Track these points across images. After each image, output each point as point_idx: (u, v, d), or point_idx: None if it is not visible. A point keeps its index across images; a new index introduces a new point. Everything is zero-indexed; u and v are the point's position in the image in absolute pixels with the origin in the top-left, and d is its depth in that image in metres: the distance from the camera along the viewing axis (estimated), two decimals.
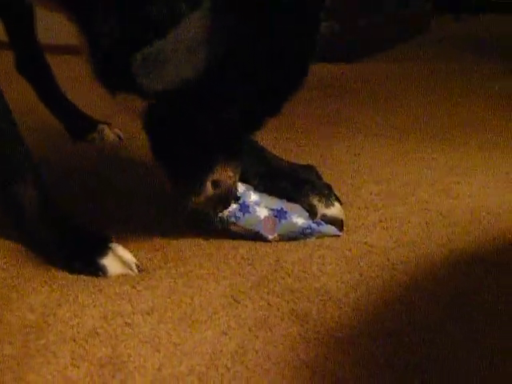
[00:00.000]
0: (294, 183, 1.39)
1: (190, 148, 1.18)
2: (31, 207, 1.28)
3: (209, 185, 1.21)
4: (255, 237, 1.33)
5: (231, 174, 1.22)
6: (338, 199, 1.41)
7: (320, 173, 1.46)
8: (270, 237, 1.33)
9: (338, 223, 1.38)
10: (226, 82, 1.07)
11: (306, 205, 1.36)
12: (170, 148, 1.20)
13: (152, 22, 1.04)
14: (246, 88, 1.09)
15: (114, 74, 1.12)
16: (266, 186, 1.38)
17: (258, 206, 1.33)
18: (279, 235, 1.33)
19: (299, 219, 1.34)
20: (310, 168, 1.46)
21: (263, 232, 1.32)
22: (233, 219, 1.31)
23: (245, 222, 1.32)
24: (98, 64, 1.13)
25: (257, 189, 1.37)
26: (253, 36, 1.05)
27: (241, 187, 1.34)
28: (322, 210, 1.37)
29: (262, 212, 1.33)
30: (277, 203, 1.35)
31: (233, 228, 1.32)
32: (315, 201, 1.37)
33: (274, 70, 1.10)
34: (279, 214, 1.33)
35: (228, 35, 1.02)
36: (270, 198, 1.36)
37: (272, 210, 1.33)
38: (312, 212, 1.36)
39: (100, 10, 1.09)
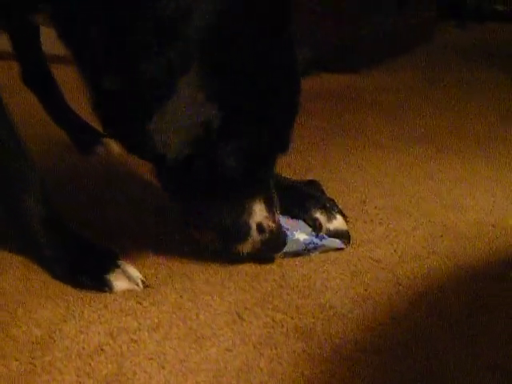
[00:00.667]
0: (296, 199, 1.40)
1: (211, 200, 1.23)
2: (36, 222, 1.28)
3: (254, 229, 1.24)
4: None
5: (271, 215, 1.24)
6: (341, 212, 1.41)
7: (323, 187, 1.46)
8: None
9: (343, 236, 1.38)
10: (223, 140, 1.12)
11: (309, 219, 1.36)
12: (197, 204, 1.24)
13: (147, 80, 1.06)
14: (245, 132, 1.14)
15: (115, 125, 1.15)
16: None
17: None
18: (283, 253, 1.32)
19: (301, 235, 1.33)
20: (312, 183, 1.47)
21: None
22: None
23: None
24: (97, 110, 1.15)
25: None
26: (243, 94, 1.10)
27: None
28: (325, 224, 1.37)
29: None
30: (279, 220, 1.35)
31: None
32: (318, 214, 1.37)
33: (267, 104, 1.15)
34: None
35: (218, 99, 1.07)
36: None
37: None
38: (315, 226, 1.36)
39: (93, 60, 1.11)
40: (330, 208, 1.40)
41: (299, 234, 1.34)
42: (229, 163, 1.14)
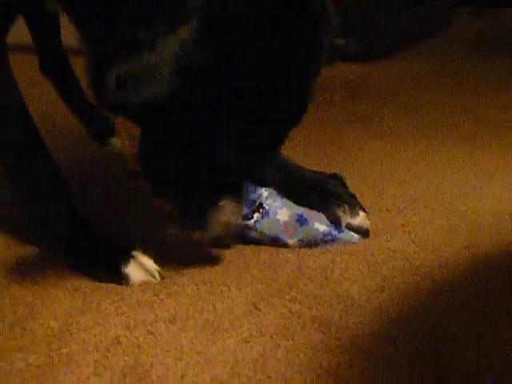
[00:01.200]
0: (319, 195, 1.40)
1: (189, 187, 1.17)
2: (53, 213, 1.28)
3: (216, 225, 1.19)
4: (275, 241, 1.33)
5: (235, 209, 1.18)
6: (362, 208, 1.41)
7: (345, 181, 1.46)
8: (290, 241, 1.32)
9: (362, 232, 1.38)
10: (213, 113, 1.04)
11: (331, 216, 1.36)
12: (172, 188, 1.19)
13: (129, 41, 1.01)
14: (240, 123, 1.06)
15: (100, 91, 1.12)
16: (291, 197, 1.38)
17: (280, 209, 1.33)
18: (299, 240, 1.32)
19: (321, 226, 1.33)
20: (335, 177, 1.46)
21: (283, 236, 1.32)
22: (252, 222, 1.31)
23: (263, 225, 1.32)
24: (89, 78, 1.13)
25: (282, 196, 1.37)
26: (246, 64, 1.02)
27: (264, 192, 1.35)
28: (346, 220, 1.37)
29: (283, 216, 1.33)
30: (298, 208, 1.35)
31: (252, 234, 1.32)
32: (340, 212, 1.37)
33: (268, 104, 1.06)
34: (300, 219, 1.33)
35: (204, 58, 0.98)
36: (294, 204, 1.36)
37: (293, 214, 1.33)
38: (337, 223, 1.36)
39: (93, 25, 1.08)
40: (353, 204, 1.40)
41: (318, 224, 1.34)
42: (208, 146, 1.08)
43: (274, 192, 1.36)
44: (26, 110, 1.29)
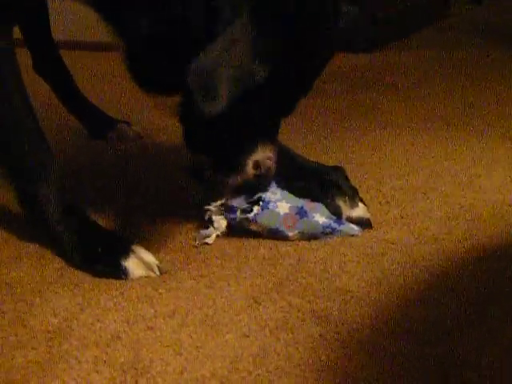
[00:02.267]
0: (320, 185, 1.40)
1: (229, 133, 1.24)
2: (52, 209, 1.28)
3: (250, 165, 1.27)
4: (275, 234, 1.33)
5: (270, 154, 1.27)
6: (362, 200, 1.41)
7: (347, 173, 1.46)
8: (290, 234, 1.32)
9: (365, 223, 1.38)
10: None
11: (332, 207, 1.36)
12: (210, 134, 1.24)
13: (190, 27, 1.08)
14: (280, 80, 1.14)
15: (151, 76, 1.17)
16: (292, 186, 1.38)
17: (280, 202, 1.33)
18: (299, 233, 1.32)
19: (320, 218, 1.33)
20: (337, 169, 1.46)
21: (283, 228, 1.32)
22: (251, 215, 1.31)
23: (263, 218, 1.32)
24: (134, 65, 1.15)
25: (282, 188, 1.37)
26: (288, 40, 1.11)
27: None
28: (346, 211, 1.37)
29: (283, 208, 1.32)
30: (298, 201, 1.35)
31: (252, 227, 1.32)
32: (340, 203, 1.38)
33: (303, 61, 1.18)
34: (300, 212, 1.33)
35: (271, 45, 1.07)
36: (294, 196, 1.36)
37: (293, 207, 1.33)
38: (337, 214, 1.37)
39: (137, 13, 1.10)
40: (353, 196, 1.40)
41: (318, 216, 1.34)
42: (260, 107, 1.18)
43: (274, 185, 1.35)
44: (32, 109, 1.30)
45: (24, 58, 1.92)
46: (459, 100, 2.36)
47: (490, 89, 2.51)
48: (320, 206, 1.36)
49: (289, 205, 1.33)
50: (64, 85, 1.93)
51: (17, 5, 1.30)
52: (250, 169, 1.27)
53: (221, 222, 1.32)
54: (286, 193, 1.35)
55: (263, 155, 1.27)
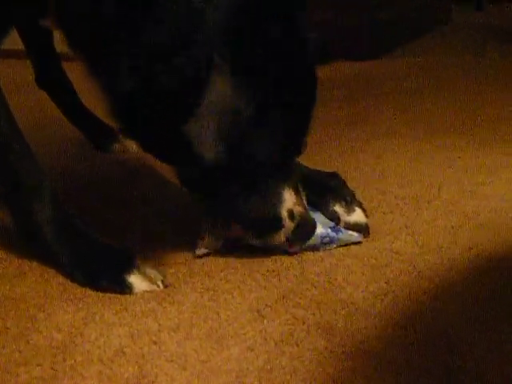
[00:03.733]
0: (316, 191, 1.39)
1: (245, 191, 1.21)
2: (49, 229, 1.28)
3: (286, 217, 1.24)
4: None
5: (299, 200, 1.25)
6: (360, 205, 1.40)
7: (344, 179, 1.45)
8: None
9: (362, 229, 1.37)
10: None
11: (328, 212, 1.36)
12: (225, 200, 1.23)
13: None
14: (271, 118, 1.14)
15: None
16: None
17: None
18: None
19: (318, 228, 1.32)
20: (334, 175, 1.45)
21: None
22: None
23: None
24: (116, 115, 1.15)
25: None
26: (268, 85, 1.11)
27: None
28: (343, 216, 1.37)
29: None
30: None
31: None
32: (337, 207, 1.37)
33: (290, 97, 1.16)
34: None
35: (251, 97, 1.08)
36: None
37: None
38: (334, 219, 1.36)
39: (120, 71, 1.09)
40: (350, 201, 1.39)
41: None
42: (262, 151, 1.15)
43: None
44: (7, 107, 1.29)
45: (25, 71, 1.93)
46: (462, 107, 2.35)
47: (493, 95, 2.50)
48: (317, 215, 1.35)
49: None
50: (67, 97, 1.93)
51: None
52: (287, 222, 1.24)
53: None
54: None
55: (292, 201, 1.24)
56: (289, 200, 1.24)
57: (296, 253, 1.32)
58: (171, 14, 1.03)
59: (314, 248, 1.32)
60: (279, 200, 1.23)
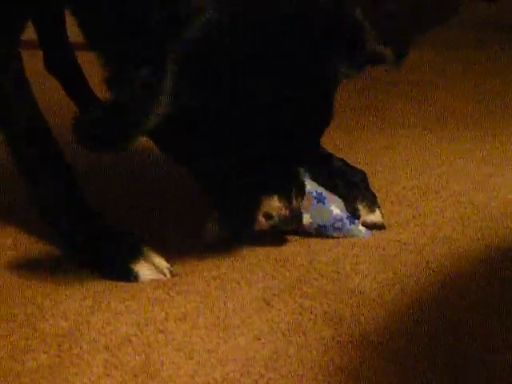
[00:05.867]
0: (345, 183, 1.40)
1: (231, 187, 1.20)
2: (62, 210, 1.28)
3: (261, 218, 1.22)
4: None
5: (279, 204, 1.21)
6: (379, 206, 1.41)
7: (368, 179, 1.46)
8: (303, 215, 1.29)
9: (379, 228, 1.38)
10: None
11: (351, 208, 1.36)
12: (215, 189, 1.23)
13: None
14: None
15: None
16: (318, 180, 1.38)
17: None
18: (311, 218, 1.31)
19: (335, 209, 1.32)
20: (360, 172, 1.45)
21: None
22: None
23: None
24: None
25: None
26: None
27: None
28: (363, 215, 1.37)
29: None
30: (319, 188, 1.34)
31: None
32: (360, 206, 1.38)
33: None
34: (318, 196, 1.32)
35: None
36: (314, 183, 1.36)
37: (312, 190, 1.32)
38: (354, 215, 1.36)
39: None
40: (372, 202, 1.40)
41: (334, 207, 1.33)
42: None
43: None
44: (39, 110, 1.30)
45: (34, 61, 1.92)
46: (471, 98, 2.34)
47: (500, 87, 2.49)
48: (339, 200, 1.36)
49: (309, 186, 1.31)
50: (76, 83, 1.92)
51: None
52: (262, 222, 1.22)
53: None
54: (308, 178, 1.34)
55: (273, 206, 1.21)
56: (268, 204, 1.21)
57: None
58: None
59: (324, 229, 1.32)
60: (255, 202, 1.21)
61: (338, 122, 2.05)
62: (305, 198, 1.28)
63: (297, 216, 1.24)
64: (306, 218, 1.31)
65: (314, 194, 1.32)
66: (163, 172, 1.69)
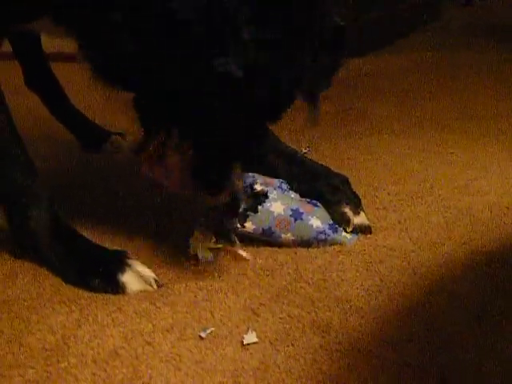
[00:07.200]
0: (329, 188, 1.40)
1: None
2: (43, 231, 1.27)
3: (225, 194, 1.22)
4: (267, 236, 1.31)
5: (237, 181, 1.23)
6: (362, 208, 1.41)
7: (349, 181, 1.46)
8: (283, 236, 1.31)
9: (365, 230, 1.38)
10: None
11: (337, 213, 1.36)
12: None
13: None
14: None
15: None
16: (301, 187, 1.40)
17: (275, 202, 1.32)
18: (292, 236, 1.31)
19: (315, 222, 1.32)
20: (343, 176, 1.45)
21: (275, 230, 1.31)
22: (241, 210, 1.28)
23: (256, 216, 1.31)
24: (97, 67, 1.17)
25: (292, 189, 1.39)
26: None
27: (259, 179, 1.35)
28: (352, 217, 1.37)
29: (277, 208, 1.31)
30: (294, 202, 1.34)
31: (246, 226, 1.31)
32: (346, 209, 1.37)
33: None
34: (295, 214, 1.32)
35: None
36: (290, 198, 1.35)
37: (287, 208, 1.32)
38: (342, 219, 1.36)
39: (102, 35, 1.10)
40: (357, 203, 1.40)
41: (314, 220, 1.33)
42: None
43: (274, 184, 1.35)
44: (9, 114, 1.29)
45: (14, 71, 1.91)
46: (453, 103, 2.35)
47: (483, 91, 2.50)
48: (318, 210, 1.35)
49: (283, 206, 1.32)
50: (55, 98, 1.92)
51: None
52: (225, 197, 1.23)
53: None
54: (282, 194, 1.34)
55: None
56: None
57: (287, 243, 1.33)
58: None
59: (308, 242, 1.32)
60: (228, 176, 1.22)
61: (319, 128, 2.07)
62: (283, 220, 1.30)
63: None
64: (287, 237, 1.32)
65: (289, 212, 1.32)
66: (149, 182, 1.68)
